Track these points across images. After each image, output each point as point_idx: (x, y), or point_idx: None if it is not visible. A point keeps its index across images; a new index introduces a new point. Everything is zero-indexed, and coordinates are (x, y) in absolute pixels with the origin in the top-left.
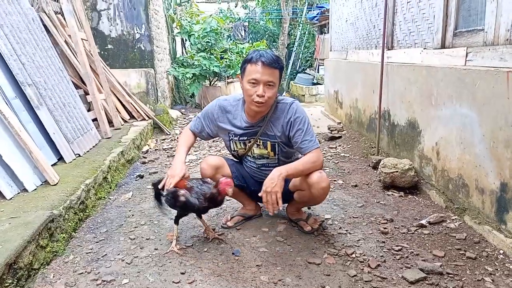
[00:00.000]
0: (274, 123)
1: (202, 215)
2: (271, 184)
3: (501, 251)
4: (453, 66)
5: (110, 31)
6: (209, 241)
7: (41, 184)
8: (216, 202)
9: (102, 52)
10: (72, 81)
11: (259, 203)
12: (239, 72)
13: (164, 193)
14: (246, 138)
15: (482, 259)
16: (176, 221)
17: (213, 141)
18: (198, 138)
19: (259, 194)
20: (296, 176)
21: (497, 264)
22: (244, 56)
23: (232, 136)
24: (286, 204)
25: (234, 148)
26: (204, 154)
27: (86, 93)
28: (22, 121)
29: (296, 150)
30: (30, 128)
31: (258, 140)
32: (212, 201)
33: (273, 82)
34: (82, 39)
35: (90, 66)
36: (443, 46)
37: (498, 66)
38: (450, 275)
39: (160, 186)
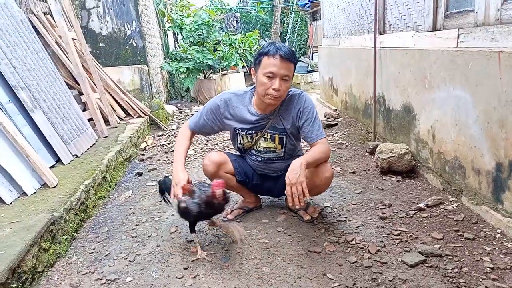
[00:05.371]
0: (283, 115)
1: (196, 225)
2: (295, 175)
3: (499, 231)
4: (445, 48)
5: (101, 29)
6: (193, 259)
7: (40, 187)
8: (215, 207)
9: (93, 51)
10: (65, 82)
11: (258, 196)
12: (233, 63)
13: (171, 201)
14: (253, 131)
15: (480, 239)
16: (192, 230)
17: None
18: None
19: (285, 192)
20: (313, 165)
21: (495, 243)
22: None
23: (239, 130)
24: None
25: (240, 141)
26: (202, 149)
27: (80, 93)
28: (17, 125)
29: (304, 140)
30: (26, 132)
31: (266, 133)
32: (210, 206)
33: (288, 76)
34: (72, 38)
35: (83, 66)
36: (434, 28)
37: (490, 46)
38: (449, 257)
39: (172, 197)
